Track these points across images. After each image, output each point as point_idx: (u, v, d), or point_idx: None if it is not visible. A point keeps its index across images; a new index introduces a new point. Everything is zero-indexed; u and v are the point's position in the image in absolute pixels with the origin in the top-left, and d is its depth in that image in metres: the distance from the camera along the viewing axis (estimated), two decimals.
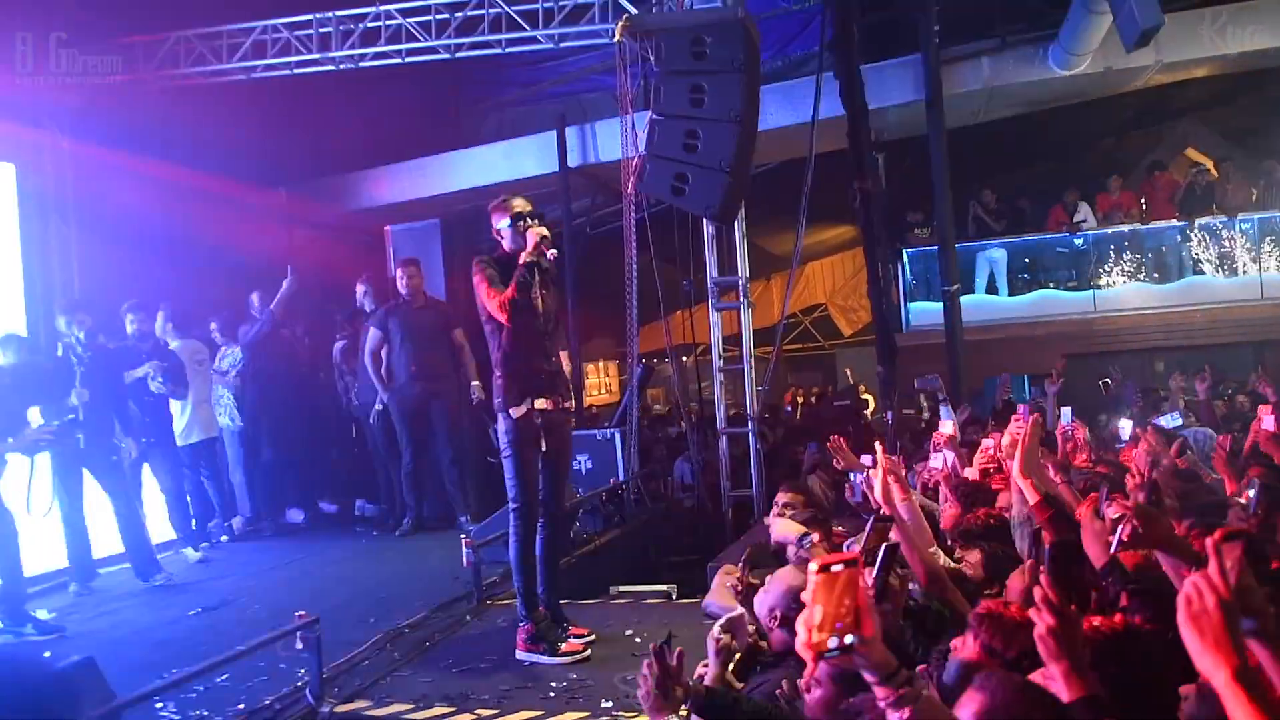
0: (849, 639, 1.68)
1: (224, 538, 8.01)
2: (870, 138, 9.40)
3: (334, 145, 11.61)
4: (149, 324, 7.40)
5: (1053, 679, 1.91)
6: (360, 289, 8.66)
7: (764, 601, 3.18)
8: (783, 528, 4.47)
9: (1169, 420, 6.99)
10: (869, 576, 2.75)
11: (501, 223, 4.68)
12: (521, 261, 4.48)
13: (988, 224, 13.15)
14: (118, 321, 7.50)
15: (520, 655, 4.57)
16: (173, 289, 8.68)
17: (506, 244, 4.68)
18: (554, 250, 4.55)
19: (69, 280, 8.81)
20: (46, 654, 4.81)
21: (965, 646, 2.54)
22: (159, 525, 7.23)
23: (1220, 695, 1.50)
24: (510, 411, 4.57)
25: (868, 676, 1.82)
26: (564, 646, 4.58)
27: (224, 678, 4.28)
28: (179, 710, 3.97)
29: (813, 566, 1.74)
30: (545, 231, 4.54)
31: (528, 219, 4.58)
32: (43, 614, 5.69)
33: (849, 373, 17.02)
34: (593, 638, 4.76)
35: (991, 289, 13.25)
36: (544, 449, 4.65)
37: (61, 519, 6.32)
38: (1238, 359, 13.03)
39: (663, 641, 2.46)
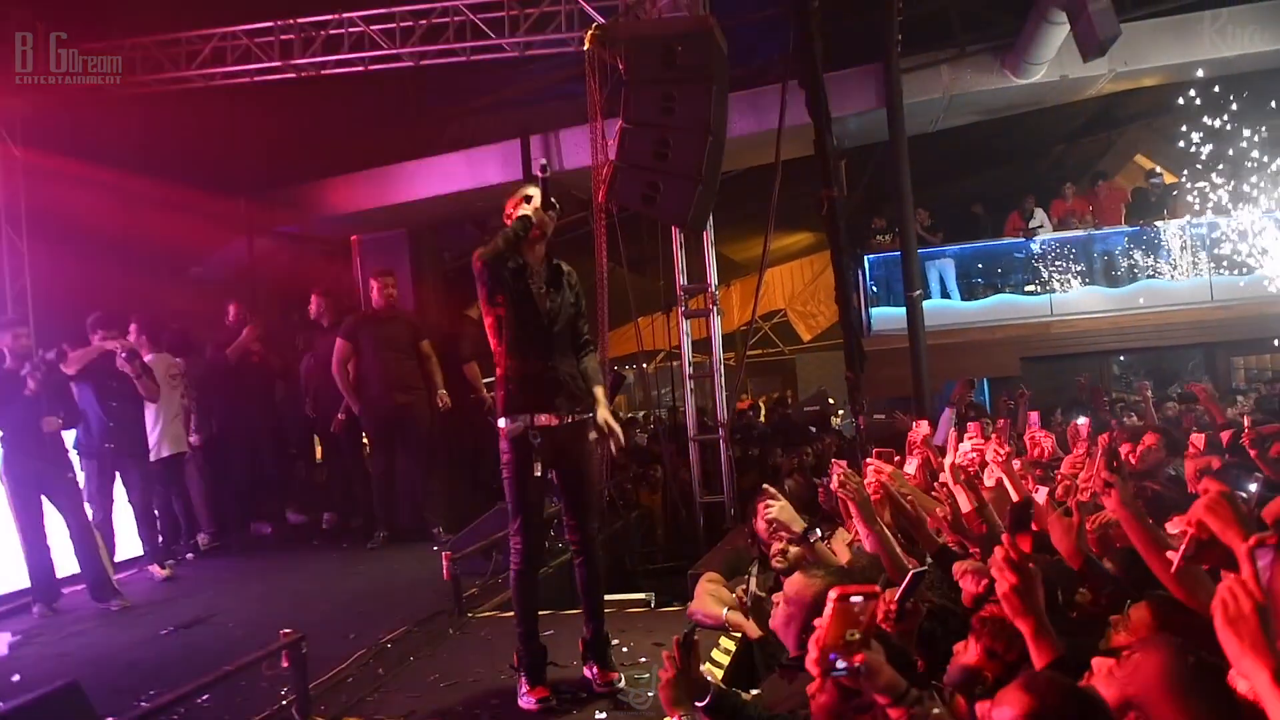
0: (857, 662, 1.74)
1: (189, 555, 7.85)
2: (834, 145, 9.48)
3: (294, 153, 11.47)
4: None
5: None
6: (315, 303, 8.55)
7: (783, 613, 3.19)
8: (786, 514, 4.47)
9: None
10: (893, 598, 2.79)
11: (511, 209, 4.19)
12: (515, 213, 4.07)
13: (925, 238, 13.36)
14: (72, 332, 7.32)
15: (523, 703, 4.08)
16: (130, 299, 8.52)
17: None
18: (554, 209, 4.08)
19: (21, 291, 8.61)
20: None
21: (968, 651, 2.58)
22: (127, 540, 7.06)
23: (1261, 698, 1.53)
24: (506, 429, 4.09)
25: (879, 698, 1.86)
26: (535, 690, 4.07)
27: (204, 698, 4.18)
28: None
29: (832, 594, 1.81)
30: (536, 206, 4.06)
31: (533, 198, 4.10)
32: (6, 636, 5.53)
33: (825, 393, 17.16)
34: (622, 683, 4.19)
35: (945, 295, 13.48)
36: (538, 473, 4.07)
37: (20, 539, 6.16)
38: (1189, 360, 13.41)
39: (688, 631, 2.49)
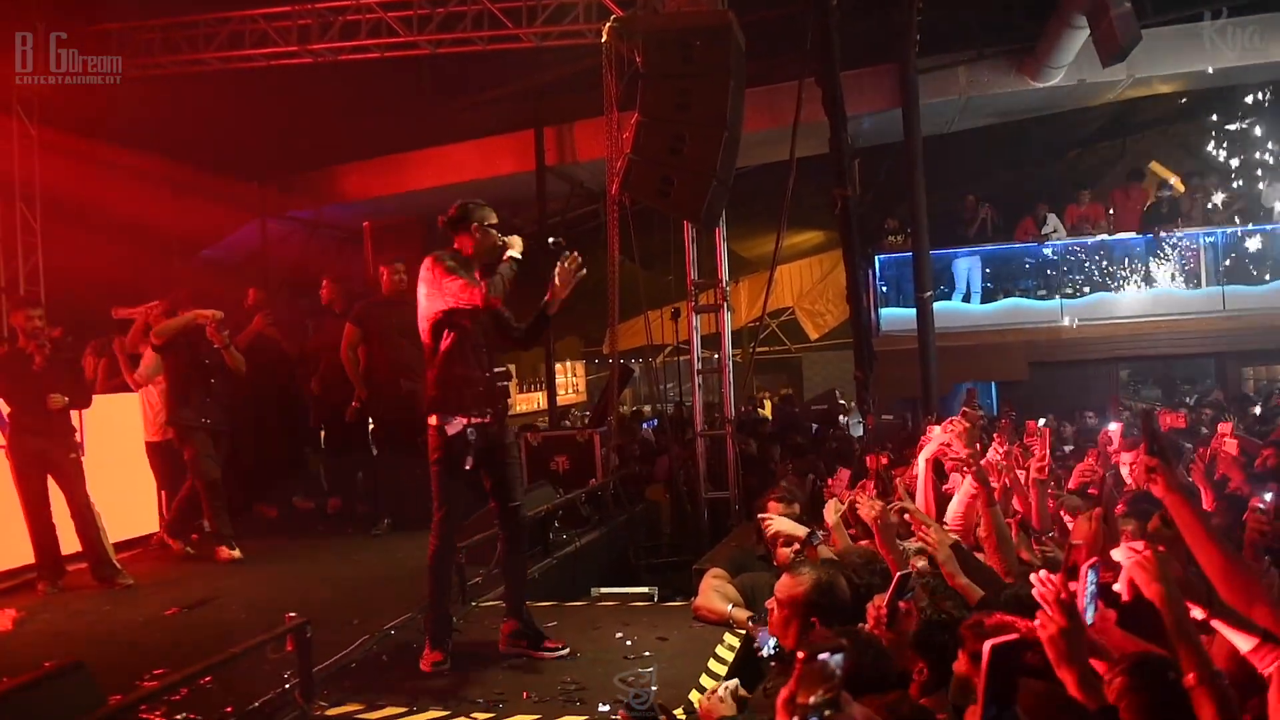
0: (827, 715, 1.72)
1: (194, 535, 7.84)
2: (849, 145, 9.46)
3: (308, 139, 11.47)
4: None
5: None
6: (327, 289, 8.53)
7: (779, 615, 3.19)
8: (787, 525, 4.48)
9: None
10: (883, 603, 2.78)
11: (471, 224, 4.50)
12: (507, 256, 4.41)
13: (976, 216, 13.31)
14: (82, 310, 7.32)
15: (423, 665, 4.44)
16: (142, 280, 8.54)
17: (471, 246, 4.51)
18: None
19: (34, 269, 8.63)
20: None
21: (961, 661, 2.57)
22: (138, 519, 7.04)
23: None
24: (444, 426, 4.39)
25: None
26: (436, 655, 4.44)
27: (208, 679, 4.17)
28: (166, 713, 3.88)
29: (800, 655, 1.78)
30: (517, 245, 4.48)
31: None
32: (12, 613, 5.54)
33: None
34: (566, 651, 4.54)
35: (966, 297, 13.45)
36: (469, 466, 4.45)
37: (25, 516, 6.17)
38: (1199, 370, 13.34)
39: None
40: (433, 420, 4.43)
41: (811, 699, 1.71)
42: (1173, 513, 2.42)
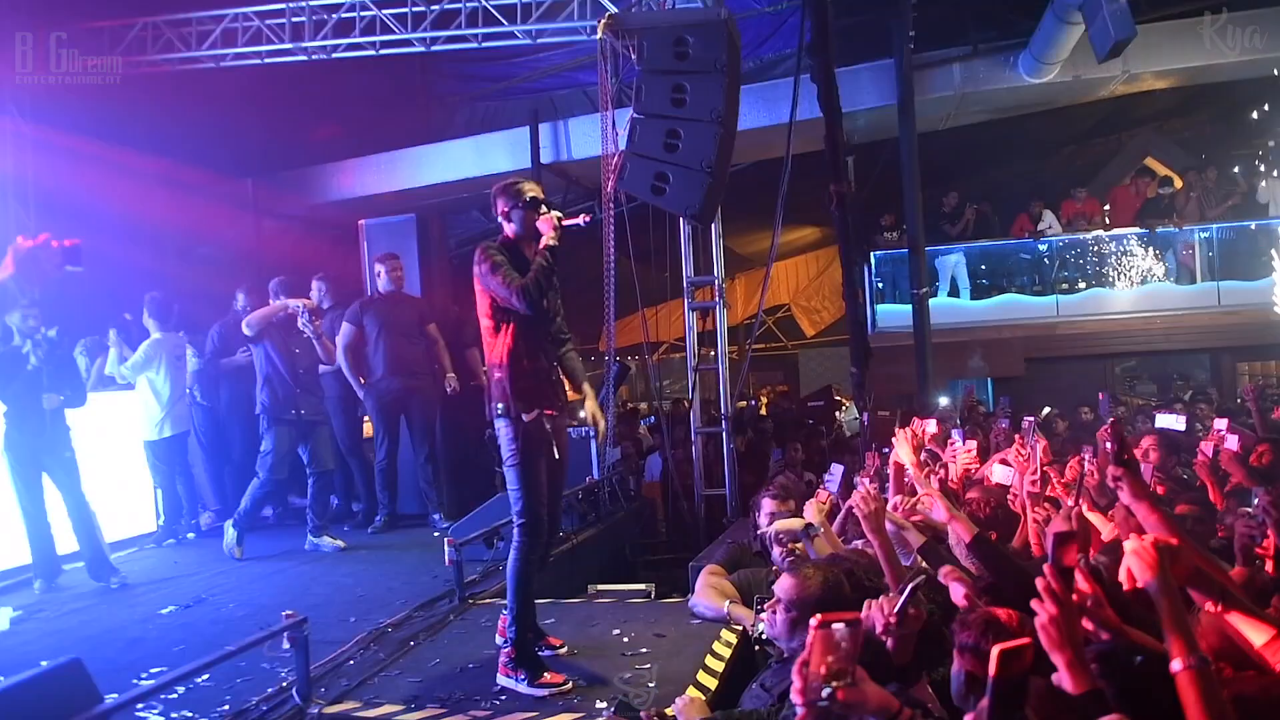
0: (840, 687, 1.72)
1: (190, 534, 7.85)
2: (844, 141, 9.44)
3: (302, 136, 11.44)
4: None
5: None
6: (317, 287, 8.50)
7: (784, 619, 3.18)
8: (784, 524, 4.48)
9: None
10: (894, 606, 2.78)
11: (508, 207, 4.31)
12: (542, 246, 4.17)
13: (948, 218, 13.31)
14: (75, 310, 7.31)
15: (500, 679, 4.16)
16: (136, 278, 8.51)
17: (511, 230, 4.32)
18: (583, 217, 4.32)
19: None
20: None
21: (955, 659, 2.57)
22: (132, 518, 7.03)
23: None
24: (522, 416, 4.19)
25: None
26: (544, 678, 4.09)
27: (205, 677, 4.18)
28: (163, 711, 3.88)
29: (813, 621, 1.79)
30: (560, 214, 4.22)
31: (543, 205, 4.25)
32: (9, 611, 5.53)
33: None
34: (564, 650, 4.55)
35: (954, 294, 13.45)
36: (556, 456, 4.32)
37: (22, 515, 6.16)
38: (1194, 365, 13.37)
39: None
40: (505, 413, 4.21)
41: (824, 667, 1.73)
42: (1140, 518, 2.58)
